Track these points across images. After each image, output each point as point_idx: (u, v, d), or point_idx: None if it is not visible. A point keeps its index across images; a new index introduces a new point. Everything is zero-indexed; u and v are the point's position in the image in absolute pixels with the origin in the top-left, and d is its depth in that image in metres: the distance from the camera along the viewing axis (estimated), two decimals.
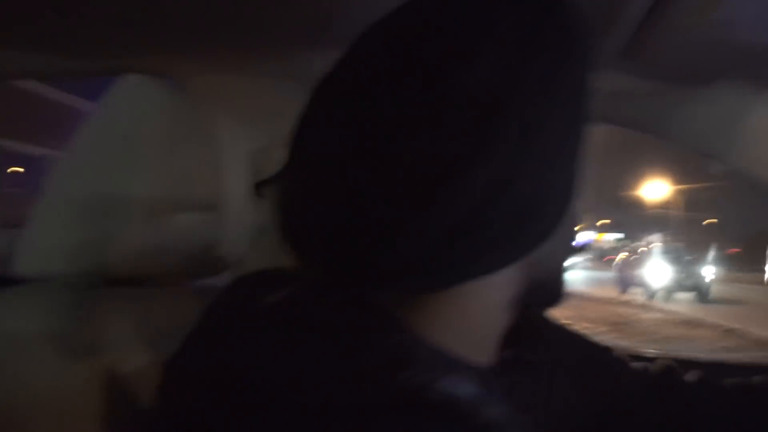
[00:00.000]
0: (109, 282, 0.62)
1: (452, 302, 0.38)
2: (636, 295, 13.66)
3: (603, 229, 38.31)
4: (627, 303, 12.61)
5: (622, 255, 17.01)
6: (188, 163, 0.67)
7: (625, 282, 14.89)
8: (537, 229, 0.36)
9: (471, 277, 0.36)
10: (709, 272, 13.49)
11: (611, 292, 14.22)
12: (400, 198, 0.32)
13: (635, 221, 35.06)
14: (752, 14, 0.62)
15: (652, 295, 13.16)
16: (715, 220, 34.53)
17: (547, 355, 0.52)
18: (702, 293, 12.95)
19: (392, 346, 0.33)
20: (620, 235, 36.64)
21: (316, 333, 0.34)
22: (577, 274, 21.02)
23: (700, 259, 14.14)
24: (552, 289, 0.44)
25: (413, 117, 0.33)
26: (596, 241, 35.92)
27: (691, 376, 0.58)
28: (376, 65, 0.35)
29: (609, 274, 20.84)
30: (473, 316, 0.39)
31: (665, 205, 31.20)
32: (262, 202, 0.78)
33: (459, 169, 0.32)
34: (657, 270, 13.63)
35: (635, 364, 0.58)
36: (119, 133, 0.64)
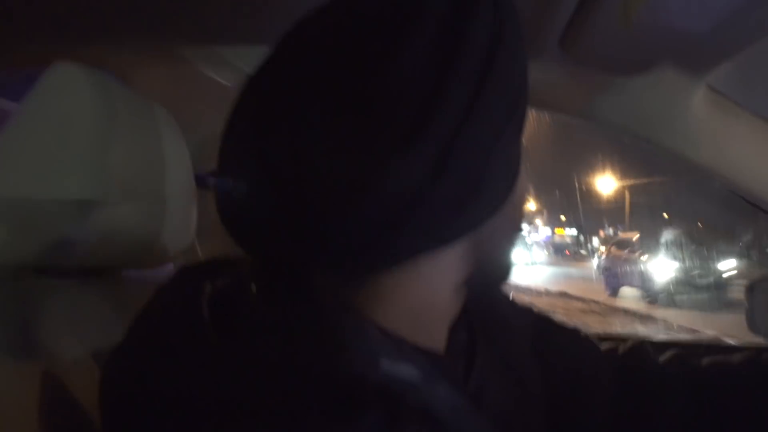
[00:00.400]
0: (47, 275, 0.60)
1: (400, 285, 0.38)
2: (629, 299, 10.59)
3: (559, 223, 36.32)
4: (555, 293, 11.74)
5: (612, 248, 13.07)
6: (126, 153, 0.64)
7: (615, 282, 11.57)
8: (477, 207, 0.37)
9: (413, 253, 0.37)
10: (728, 266, 10.32)
11: (593, 294, 11.03)
12: (340, 180, 0.33)
13: (587, 216, 33.37)
14: (685, 0, 0.61)
15: (653, 298, 10.07)
16: (665, 215, 33.48)
17: (509, 340, 0.53)
18: (719, 295, 9.82)
19: (334, 329, 0.34)
20: (573, 231, 34.75)
21: (258, 320, 0.35)
22: (541, 270, 17.99)
23: (713, 250, 11.03)
24: (499, 271, 0.46)
25: (346, 106, 0.34)
26: (555, 235, 34.02)
27: (664, 355, 0.61)
28: (306, 60, 0.36)
29: (573, 270, 18.21)
30: (421, 299, 0.40)
31: (615, 200, 29.57)
32: (205, 192, 0.74)
33: (396, 151, 0.33)
34: (660, 266, 10.46)
35: (605, 345, 0.62)
36: (51, 123, 0.60)
